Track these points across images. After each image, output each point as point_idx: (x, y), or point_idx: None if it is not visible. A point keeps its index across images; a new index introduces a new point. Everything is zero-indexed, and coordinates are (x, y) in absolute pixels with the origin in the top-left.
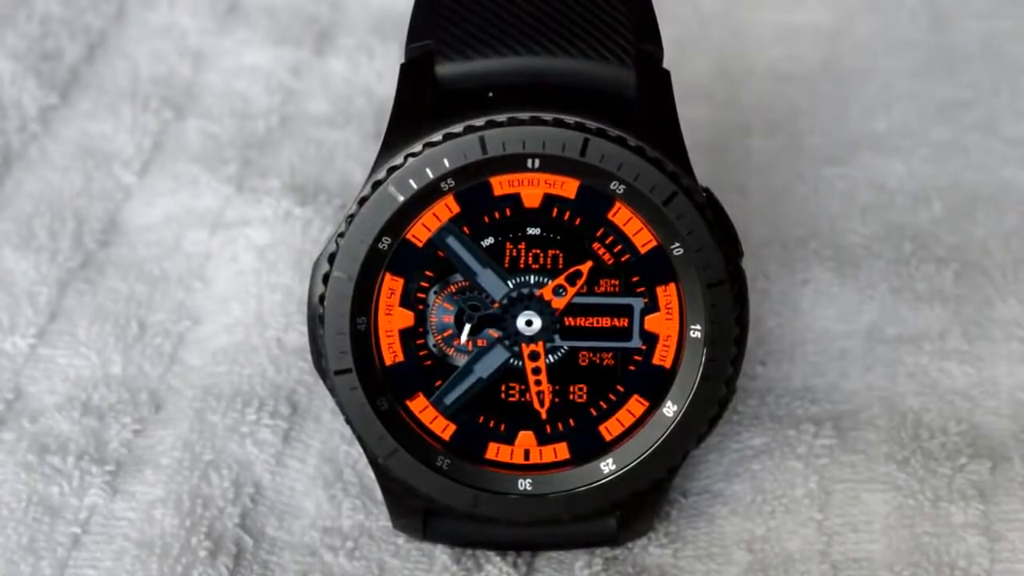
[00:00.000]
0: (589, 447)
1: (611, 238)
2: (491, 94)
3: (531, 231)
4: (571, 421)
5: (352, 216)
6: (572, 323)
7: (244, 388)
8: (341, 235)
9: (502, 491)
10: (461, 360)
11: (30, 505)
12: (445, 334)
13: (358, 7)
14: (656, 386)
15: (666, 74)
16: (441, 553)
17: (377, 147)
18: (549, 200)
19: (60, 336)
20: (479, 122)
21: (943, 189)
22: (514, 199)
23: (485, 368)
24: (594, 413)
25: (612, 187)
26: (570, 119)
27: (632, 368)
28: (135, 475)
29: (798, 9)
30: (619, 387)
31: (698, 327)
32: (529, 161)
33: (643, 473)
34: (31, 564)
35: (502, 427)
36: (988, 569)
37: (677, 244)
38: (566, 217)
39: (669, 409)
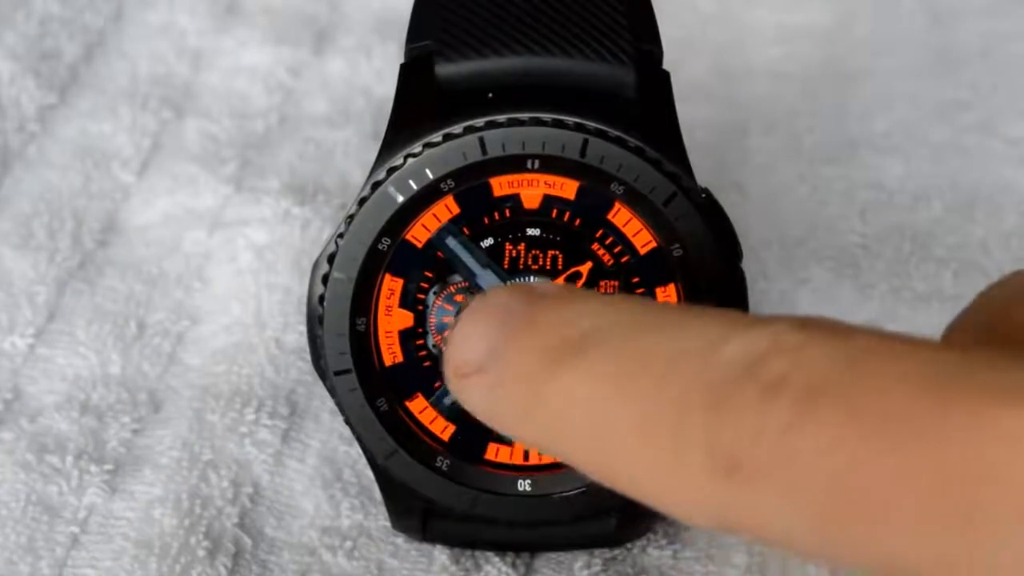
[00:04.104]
0: None
1: (611, 239)
2: (491, 95)
3: (531, 232)
4: None
5: (352, 217)
6: None
7: (243, 388)
8: (341, 236)
9: (502, 492)
10: None
11: (29, 504)
12: (444, 335)
13: (357, 7)
14: None
15: (666, 75)
16: (440, 553)
17: (376, 147)
18: (549, 201)
19: (59, 336)
20: (479, 123)
21: (943, 189)
22: (514, 200)
23: None
24: None
25: (612, 188)
26: (570, 120)
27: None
28: (134, 475)
29: (797, 9)
30: None
31: None
32: (529, 162)
33: None
34: (30, 564)
35: None
36: None
37: (677, 245)
38: (566, 218)
39: None
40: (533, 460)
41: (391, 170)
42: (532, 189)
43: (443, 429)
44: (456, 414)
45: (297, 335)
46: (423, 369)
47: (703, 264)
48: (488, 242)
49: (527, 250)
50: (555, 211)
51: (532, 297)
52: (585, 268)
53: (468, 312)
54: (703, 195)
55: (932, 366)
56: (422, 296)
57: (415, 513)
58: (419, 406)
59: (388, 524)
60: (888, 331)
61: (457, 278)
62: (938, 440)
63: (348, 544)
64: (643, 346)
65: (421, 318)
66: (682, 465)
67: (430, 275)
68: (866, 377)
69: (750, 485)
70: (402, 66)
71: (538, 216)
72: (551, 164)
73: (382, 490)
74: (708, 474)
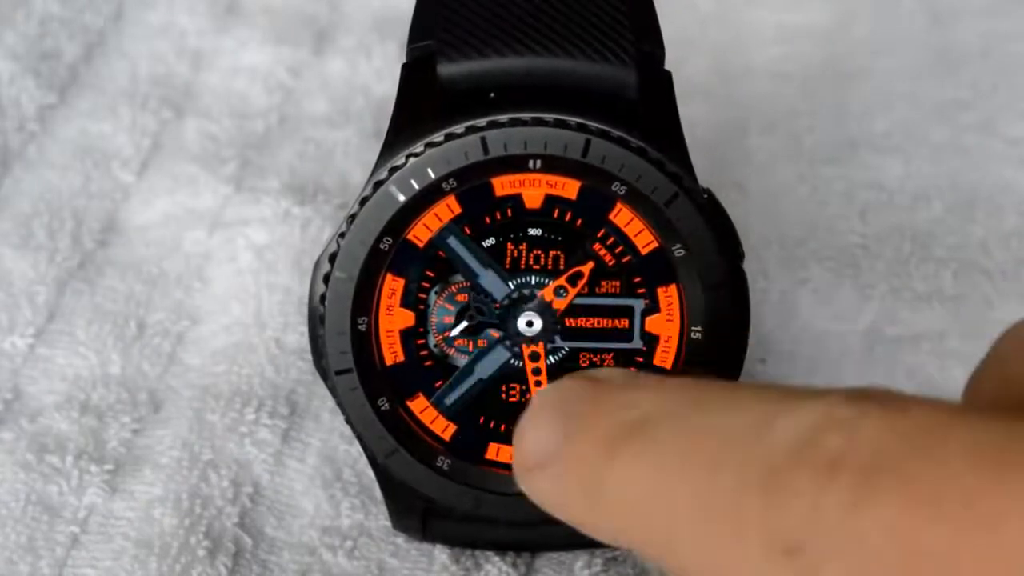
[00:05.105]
0: None
1: (612, 239)
2: (492, 95)
3: (532, 232)
4: None
5: (353, 216)
6: (573, 324)
7: (243, 388)
8: (342, 235)
9: (503, 491)
10: (462, 360)
11: (29, 504)
12: (446, 334)
13: (357, 7)
14: None
15: (668, 76)
16: (440, 552)
17: (377, 147)
18: (550, 201)
19: (59, 336)
20: (481, 122)
21: (943, 189)
22: (515, 200)
23: (486, 369)
24: None
25: (613, 188)
26: (572, 120)
27: (633, 369)
28: (134, 474)
29: (797, 9)
30: None
31: (699, 328)
32: (531, 162)
33: None
34: (30, 563)
35: (502, 427)
36: None
37: (678, 245)
38: (567, 218)
39: None
40: None
41: (393, 169)
42: (534, 189)
43: (444, 429)
44: (457, 414)
45: (297, 335)
46: (424, 369)
47: (704, 265)
48: (490, 242)
49: (528, 250)
50: (557, 211)
51: (593, 384)
52: (586, 268)
53: (532, 404)
54: (705, 196)
55: (986, 437)
56: (423, 296)
57: (415, 513)
58: (420, 405)
59: (388, 524)
60: (941, 400)
61: (458, 278)
62: (1004, 522)
63: (348, 544)
64: (696, 427)
65: (422, 317)
66: (741, 549)
67: (431, 275)
68: (925, 454)
69: (814, 569)
70: (404, 66)
71: (540, 216)
72: (553, 164)
73: (383, 489)
74: (768, 558)
